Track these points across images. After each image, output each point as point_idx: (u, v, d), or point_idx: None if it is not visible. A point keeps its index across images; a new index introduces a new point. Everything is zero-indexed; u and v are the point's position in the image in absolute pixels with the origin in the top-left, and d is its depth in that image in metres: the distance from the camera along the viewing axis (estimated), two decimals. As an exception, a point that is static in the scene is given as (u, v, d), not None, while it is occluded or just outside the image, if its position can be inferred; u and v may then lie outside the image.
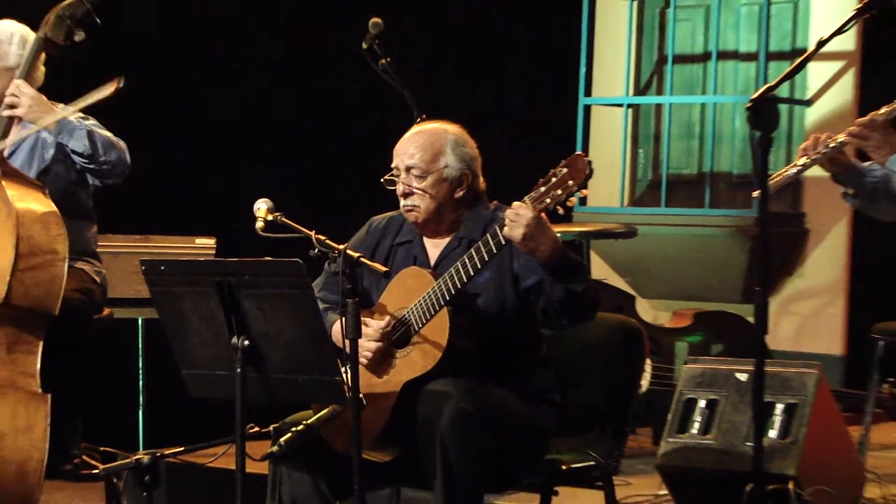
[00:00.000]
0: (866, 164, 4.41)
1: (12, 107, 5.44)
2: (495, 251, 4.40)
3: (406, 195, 4.67)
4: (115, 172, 5.55)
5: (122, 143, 5.55)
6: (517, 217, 4.31)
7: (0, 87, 5.53)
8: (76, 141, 5.46)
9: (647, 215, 8.40)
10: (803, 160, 4.35)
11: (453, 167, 4.67)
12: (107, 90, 5.24)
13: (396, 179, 4.69)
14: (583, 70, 8.60)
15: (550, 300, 4.45)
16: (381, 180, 4.72)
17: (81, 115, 5.53)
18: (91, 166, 5.51)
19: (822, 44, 4.27)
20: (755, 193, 4.22)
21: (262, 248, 4.41)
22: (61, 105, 5.54)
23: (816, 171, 4.53)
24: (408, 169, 4.66)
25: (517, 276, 4.59)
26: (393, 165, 4.71)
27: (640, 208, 8.65)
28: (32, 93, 5.45)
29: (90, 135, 5.46)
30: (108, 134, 5.54)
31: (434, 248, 4.74)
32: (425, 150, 4.67)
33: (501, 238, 4.36)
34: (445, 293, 4.46)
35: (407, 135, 4.75)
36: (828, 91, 8.31)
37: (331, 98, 8.10)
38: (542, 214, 4.30)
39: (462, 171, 4.68)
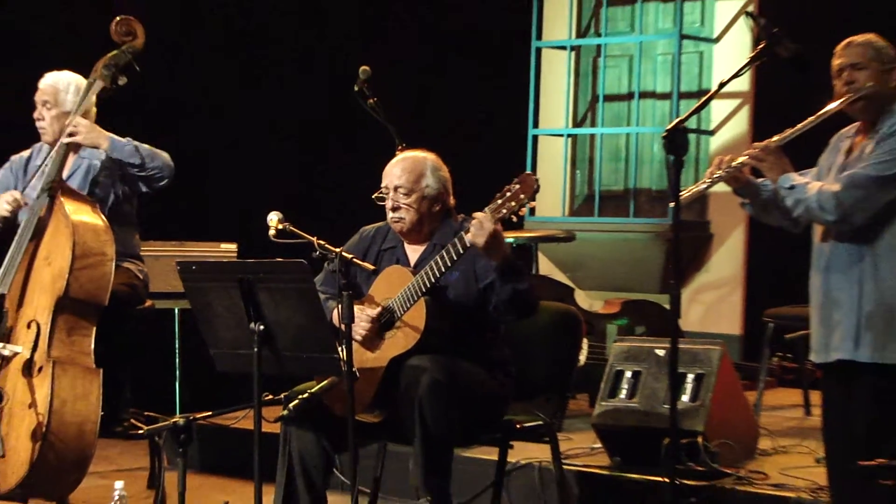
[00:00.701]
0: (760, 180, 4.41)
1: (72, 135, 5.43)
2: (461, 252, 4.40)
3: (395, 209, 4.67)
4: (164, 175, 5.52)
5: (164, 153, 5.52)
6: (481, 227, 4.32)
7: (59, 127, 5.51)
8: (127, 155, 5.45)
9: (583, 223, 8.39)
10: (710, 178, 4.34)
11: (432, 187, 4.66)
12: None
13: (385, 196, 4.69)
14: (531, 106, 8.59)
15: (500, 299, 4.45)
16: (373, 197, 4.72)
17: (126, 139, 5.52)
18: (142, 174, 5.48)
19: (722, 85, 4.28)
20: (670, 205, 4.21)
21: (274, 251, 4.40)
22: (110, 133, 5.52)
23: (719, 188, 4.52)
24: (395, 188, 4.66)
25: (478, 275, 4.59)
26: (383, 185, 4.70)
27: (577, 217, 8.63)
28: (87, 123, 5.44)
29: (137, 148, 5.46)
30: (151, 147, 5.53)
31: (413, 252, 4.74)
32: (410, 172, 4.66)
33: (466, 242, 4.37)
34: (422, 286, 4.46)
35: (394, 160, 4.75)
36: (727, 123, 8.31)
37: (327, 130, 8.09)
38: (499, 226, 4.31)
39: (439, 190, 4.68)
